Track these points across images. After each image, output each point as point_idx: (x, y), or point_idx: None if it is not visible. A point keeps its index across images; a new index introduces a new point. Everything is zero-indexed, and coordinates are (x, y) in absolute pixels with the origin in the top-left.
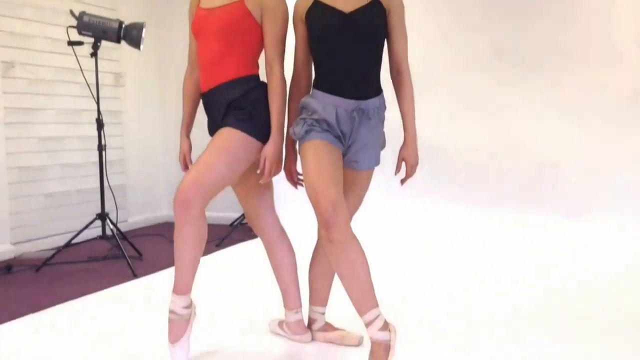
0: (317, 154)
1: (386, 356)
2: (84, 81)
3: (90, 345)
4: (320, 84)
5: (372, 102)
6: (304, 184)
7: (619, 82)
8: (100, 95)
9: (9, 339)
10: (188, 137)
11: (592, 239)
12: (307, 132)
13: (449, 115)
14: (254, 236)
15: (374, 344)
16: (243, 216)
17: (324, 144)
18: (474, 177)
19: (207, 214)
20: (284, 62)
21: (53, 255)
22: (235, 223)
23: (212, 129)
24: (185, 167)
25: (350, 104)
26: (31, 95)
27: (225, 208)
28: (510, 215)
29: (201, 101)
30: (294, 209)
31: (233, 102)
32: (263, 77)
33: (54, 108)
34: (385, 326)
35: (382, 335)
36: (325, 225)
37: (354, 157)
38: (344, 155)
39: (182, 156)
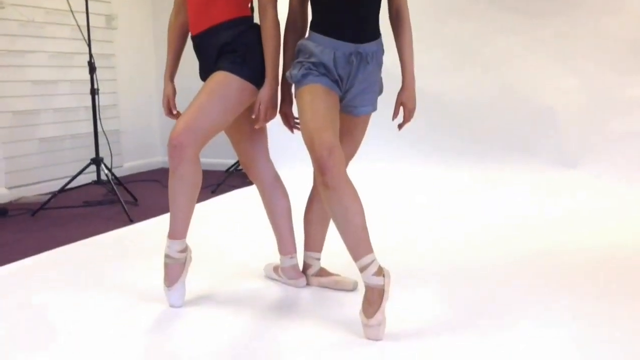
0: (313, 98)
1: (380, 301)
2: (75, 23)
3: (86, 290)
4: (317, 27)
5: (370, 46)
6: (300, 128)
7: (620, 31)
8: (91, 38)
9: (4, 282)
10: (172, 81)
11: (591, 188)
12: (304, 75)
13: (445, 62)
14: (249, 183)
15: (368, 289)
16: (239, 163)
17: (321, 88)
18: (470, 126)
19: (203, 160)
20: (277, 3)
21: (49, 200)
22: (231, 169)
23: (204, 73)
24: (169, 112)
25: (349, 47)
26: (22, 37)
27: (221, 154)
28: (507, 165)
29: (191, 44)
30: (289, 154)
31: (225, 45)
32: (256, 21)
33: (45, 51)
34: (380, 271)
35: (377, 280)
36: (320, 170)
37: (351, 103)
38: (340, 100)
39: (166, 100)
